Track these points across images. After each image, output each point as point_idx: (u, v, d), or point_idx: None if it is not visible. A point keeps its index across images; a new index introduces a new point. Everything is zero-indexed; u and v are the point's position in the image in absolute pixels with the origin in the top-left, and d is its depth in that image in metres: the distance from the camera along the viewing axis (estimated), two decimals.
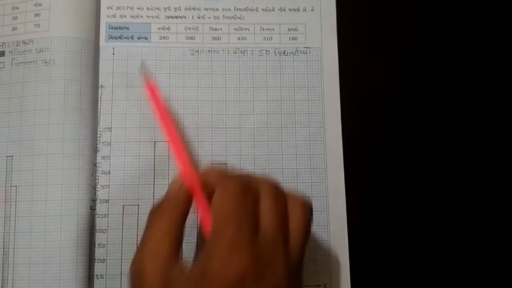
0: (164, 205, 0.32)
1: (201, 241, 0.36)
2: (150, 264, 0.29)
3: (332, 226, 0.39)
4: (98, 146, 0.39)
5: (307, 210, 0.31)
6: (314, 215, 0.38)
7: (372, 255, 0.39)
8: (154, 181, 0.39)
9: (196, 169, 0.33)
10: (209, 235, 0.29)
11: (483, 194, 0.40)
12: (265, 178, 0.32)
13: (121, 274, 0.37)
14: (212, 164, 0.39)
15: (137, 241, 0.38)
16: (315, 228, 0.38)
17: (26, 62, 0.39)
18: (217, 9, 0.42)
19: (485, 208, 0.40)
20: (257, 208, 0.30)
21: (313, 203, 0.38)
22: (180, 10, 0.41)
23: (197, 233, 0.37)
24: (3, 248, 0.37)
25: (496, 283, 0.39)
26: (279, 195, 0.31)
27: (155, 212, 0.31)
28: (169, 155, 0.39)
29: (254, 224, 0.29)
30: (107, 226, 0.38)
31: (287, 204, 0.30)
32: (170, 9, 0.41)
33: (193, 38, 0.41)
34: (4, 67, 0.39)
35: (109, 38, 0.41)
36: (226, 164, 0.39)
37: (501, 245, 0.39)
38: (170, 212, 0.31)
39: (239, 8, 0.42)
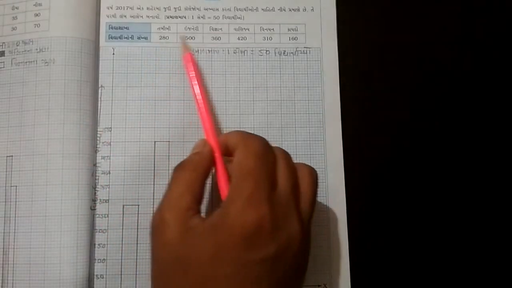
0: (187, 161, 0.34)
1: (215, 203, 0.37)
2: (170, 214, 0.31)
3: (332, 226, 0.39)
4: (98, 146, 0.39)
5: (314, 178, 0.34)
6: (314, 215, 0.38)
7: (372, 255, 0.39)
8: (154, 181, 0.39)
9: (218, 134, 0.36)
10: (229, 189, 0.31)
11: (483, 194, 0.40)
12: (280, 148, 0.34)
13: (121, 274, 0.37)
14: None
15: (137, 241, 0.38)
16: (315, 228, 0.38)
17: (26, 62, 0.39)
18: (217, 9, 0.42)
19: (485, 208, 0.40)
20: (275, 169, 0.32)
21: None
22: (180, 10, 0.41)
23: (211, 197, 0.38)
24: (3, 248, 0.37)
25: (496, 283, 0.39)
26: (292, 162, 0.33)
27: (178, 168, 0.33)
28: (169, 155, 0.39)
29: (272, 182, 0.31)
30: (107, 226, 0.38)
31: (297, 171, 0.33)
32: (170, 9, 0.41)
33: (193, 38, 0.41)
34: (4, 67, 0.39)
35: (109, 38, 0.41)
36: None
37: (501, 245, 0.39)
38: (193, 168, 0.33)
39: (239, 8, 0.42)
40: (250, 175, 0.31)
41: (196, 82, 0.38)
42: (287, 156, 0.33)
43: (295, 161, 0.34)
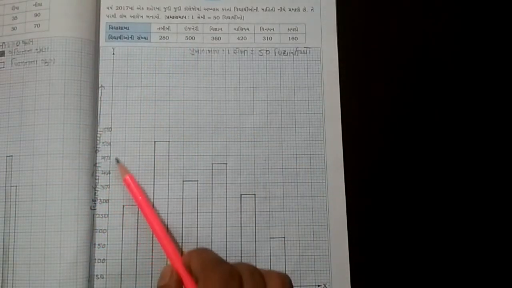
0: None
1: None
2: None
3: (332, 226, 0.39)
4: (98, 146, 0.39)
5: (286, 285, 0.32)
6: (314, 215, 0.38)
7: (372, 255, 0.39)
8: (154, 181, 0.39)
9: (181, 256, 0.36)
10: None
11: (482, 194, 0.40)
12: (244, 264, 0.33)
13: (121, 274, 0.37)
14: (212, 164, 0.39)
15: (137, 241, 0.38)
16: (315, 228, 0.38)
17: (26, 62, 0.39)
18: (217, 9, 0.42)
19: (484, 208, 0.40)
20: None
21: (313, 203, 0.38)
22: (180, 10, 0.41)
23: None
24: (3, 248, 0.37)
25: (496, 283, 0.39)
26: (258, 278, 0.32)
27: None
28: (169, 155, 0.39)
29: None
30: (107, 226, 0.38)
31: (266, 284, 0.32)
32: (170, 9, 0.41)
33: (193, 38, 0.41)
34: (4, 67, 0.39)
35: (109, 38, 0.41)
36: (226, 164, 0.39)
37: (501, 244, 0.39)
38: None
39: (239, 8, 0.42)
40: None
41: (144, 206, 0.37)
42: (253, 272, 0.32)
43: (294, 164, 0.35)
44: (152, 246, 0.38)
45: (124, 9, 0.41)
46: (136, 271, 0.37)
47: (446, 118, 0.41)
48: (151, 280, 0.37)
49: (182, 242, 0.38)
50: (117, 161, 0.38)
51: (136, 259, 0.38)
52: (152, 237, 0.38)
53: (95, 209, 0.38)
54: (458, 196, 0.40)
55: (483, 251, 0.39)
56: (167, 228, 0.38)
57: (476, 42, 0.42)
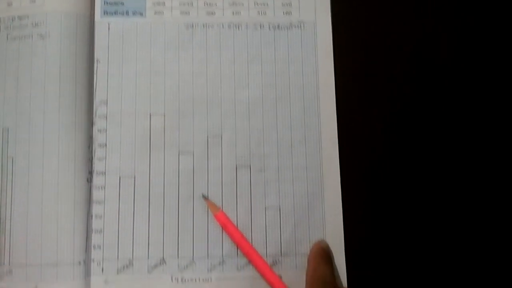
0: None
1: None
2: None
3: (327, 196, 0.39)
4: (94, 119, 0.39)
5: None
6: (308, 185, 0.39)
7: (366, 223, 0.39)
8: (150, 153, 0.39)
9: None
10: None
11: (482, 194, 0.40)
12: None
13: (117, 244, 0.38)
14: (208, 136, 0.39)
15: (134, 212, 0.38)
16: (310, 198, 0.39)
17: (22, 37, 0.39)
18: None
19: (484, 208, 0.39)
20: None
21: (307, 174, 0.39)
22: None
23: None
24: (0, 218, 0.37)
25: (496, 283, 0.39)
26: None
27: None
28: (164, 128, 0.39)
29: None
30: (104, 197, 0.38)
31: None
32: None
33: (188, 13, 0.41)
34: None
35: (104, 14, 0.41)
36: (221, 136, 0.40)
37: (500, 243, 0.39)
38: None
39: None
40: None
41: (241, 241, 0.38)
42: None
43: (288, 136, 0.37)
44: (149, 216, 0.38)
45: None
46: (132, 241, 0.38)
47: (445, 102, 0.41)
48: (148, 250, 0.38)
49: (178, 213, 0.38)
50: (204, 197, 0.38)
51: (133, 229, 0.38)
52: (149, 207, 0.38)
53: (91, 181, 0.38)
54: (456, 193, 0.40)
55: (483, 249, 0.39)
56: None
57: (476, 42, 0.42)
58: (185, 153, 0.39)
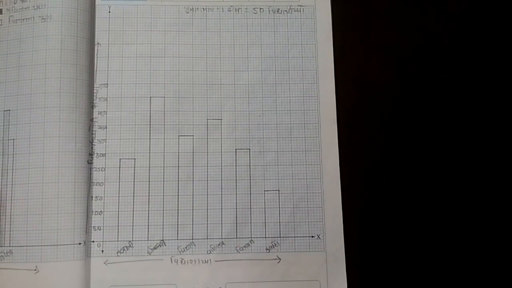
0: None
1: None
2: None
3: (325, 179, 0.39)
4: (94, 101, 0.39)
5: None
6: (307, 169, 0.39)
7: (365, 205, 0.39)
8: (150, 136, 0.39)
9: None
10: None
11: (482, 194, 0.40)
12: None
13: (117, 226, 0.38)
14: (207, 119, 0.40)
15: (133, 193, 0.38)
16: (309, 181, 0.39)
17: (23, 19, 0.40)
18: None
19: (484, 208, 0.39)
20: None
21: (306, 157, 0.39)
22: None
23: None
24: (1, 199, 0.37)
25: (496, 283, 0.39)
26: None
27: None
28: (164, 110, 0.40)
29: None
30: (104, 179, 0.38)
31: None
32: None
33: None
34: (1, 25, 0.40)
35: None
36: (221, 119, 0.40)
37: (500, 243, 0.39)
38: None
39: None
40: None
41: None
42: None
43: (288, 119, 0.37)
44: (149, 198, 0.38)
45: None
46: (132, 222, 0.38)
47: (447, 87, 0.41)
48: (148, 232, 0.38)
49: (178, 195, 0.38)
50: None
51: (133, 211, 0.38)
52: (149, 189, 0.38)
53: (92, 163, 0.39)
54: (455, 193, 0.40)
55: (482, 249, 0.39)
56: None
57: (476, 42, 0.42)
58: (185, 136, 0.39)
